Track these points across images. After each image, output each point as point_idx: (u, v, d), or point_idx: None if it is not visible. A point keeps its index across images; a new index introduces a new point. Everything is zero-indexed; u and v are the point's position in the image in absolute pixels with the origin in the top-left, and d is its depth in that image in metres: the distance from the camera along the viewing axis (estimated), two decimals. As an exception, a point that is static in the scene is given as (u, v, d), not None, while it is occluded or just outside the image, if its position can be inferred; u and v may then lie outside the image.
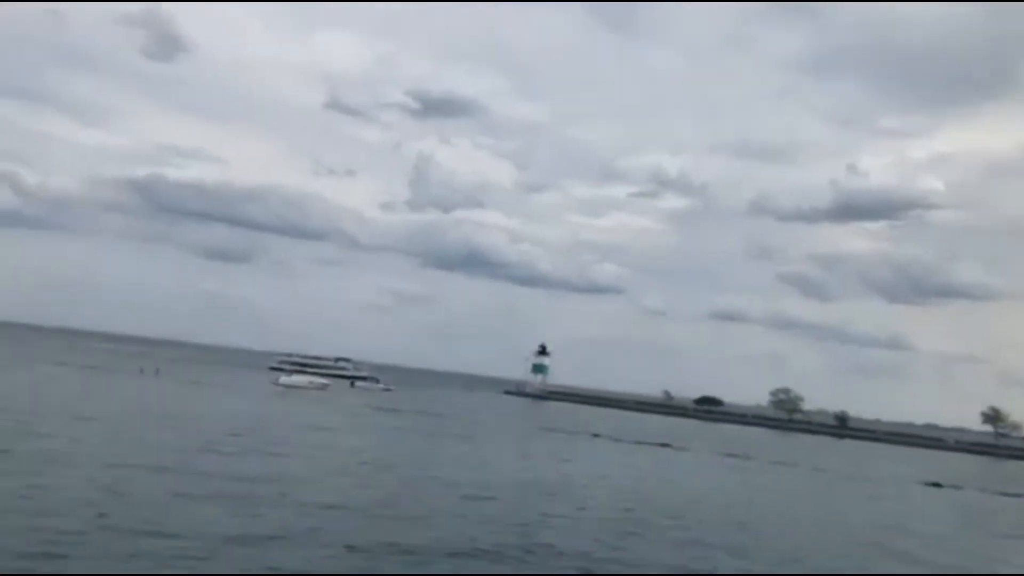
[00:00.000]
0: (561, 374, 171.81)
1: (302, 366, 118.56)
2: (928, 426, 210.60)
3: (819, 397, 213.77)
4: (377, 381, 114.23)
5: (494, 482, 31.82)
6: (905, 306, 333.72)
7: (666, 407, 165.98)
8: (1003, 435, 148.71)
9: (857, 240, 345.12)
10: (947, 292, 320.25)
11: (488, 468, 36.70)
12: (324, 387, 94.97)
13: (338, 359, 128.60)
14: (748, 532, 26.88)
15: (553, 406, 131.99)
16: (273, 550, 16.86)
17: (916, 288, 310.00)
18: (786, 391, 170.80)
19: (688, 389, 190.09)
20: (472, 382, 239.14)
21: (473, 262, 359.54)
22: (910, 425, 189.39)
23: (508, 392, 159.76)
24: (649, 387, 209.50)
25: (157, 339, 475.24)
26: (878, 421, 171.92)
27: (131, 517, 18.32)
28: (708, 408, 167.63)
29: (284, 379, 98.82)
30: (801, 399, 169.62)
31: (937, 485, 58.57)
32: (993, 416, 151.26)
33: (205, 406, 53.70)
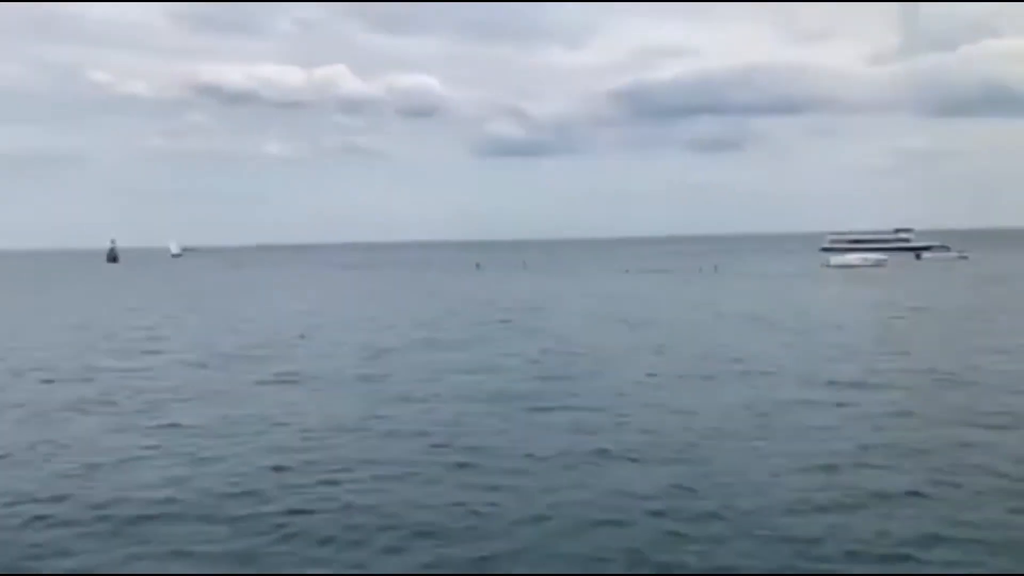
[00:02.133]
0: None
1: (855, 242, 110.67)
2: None
3: None
4: (947, 249, 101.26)
5: None
6: None
7: None
8: None
9: None
10: None
11: None
12: (881, 263, 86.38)
13: (897, 230, 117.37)
14: None
15: None
16: None
17: None
18: None
19: None
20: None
21: (994, 100, 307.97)
22: None
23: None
24: None
25: (661, 237, 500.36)
26: None
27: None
28: None
29: (835, 259, 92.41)
30: None
31: None
32: None
33: (801, 298, 50.30)
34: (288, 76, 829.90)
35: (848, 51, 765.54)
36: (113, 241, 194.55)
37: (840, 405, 18.57)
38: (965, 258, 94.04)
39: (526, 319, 38.79)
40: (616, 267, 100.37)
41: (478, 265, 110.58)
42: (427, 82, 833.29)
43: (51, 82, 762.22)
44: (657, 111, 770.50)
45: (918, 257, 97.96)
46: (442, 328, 35.84)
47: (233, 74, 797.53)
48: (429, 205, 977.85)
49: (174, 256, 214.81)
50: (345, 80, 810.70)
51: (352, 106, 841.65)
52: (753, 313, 39.71)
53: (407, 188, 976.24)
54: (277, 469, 13.93)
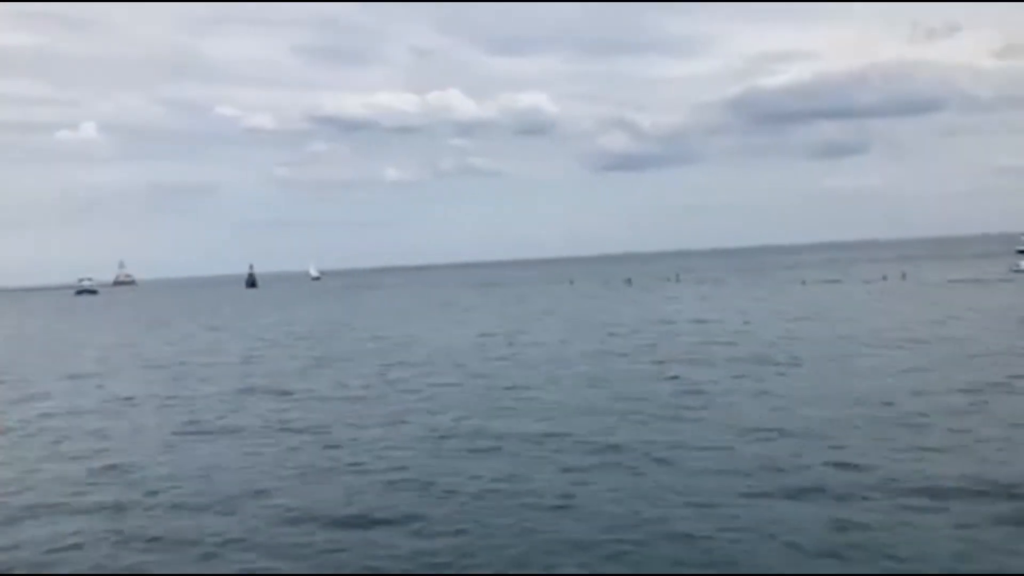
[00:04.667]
0: None
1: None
2: None
3: None
4: None
5: None
6: None
7: None
8: None
9: None
10: None
11: None
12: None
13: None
14: None
15: None
16: None
17: None
18: None
19: None
20: None
21: None
22: None
23: None
24: None
25: (787, 245, 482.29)
26: None
27: None
28: None
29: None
30: None
31: None
32: None
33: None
34: (403, 102, 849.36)
35: (977, 45, 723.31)
36: (252, 267, 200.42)
37: None
38: None
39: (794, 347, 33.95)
40: (781, 279, 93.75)
41: (629, 280, 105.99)
42: (539, 100, 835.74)
43: (184, 119, 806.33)
44: (773, 117, 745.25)
45: None
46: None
47: (351, 103, 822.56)
48: (544, 222, 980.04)
49: (314, 279, 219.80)
50: (459, 103, 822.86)
51: (466, 128, 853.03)
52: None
53: (522, 206, 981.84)
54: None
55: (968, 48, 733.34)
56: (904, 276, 79.46)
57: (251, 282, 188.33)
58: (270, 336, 49.96)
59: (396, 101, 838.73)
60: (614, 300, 70.05)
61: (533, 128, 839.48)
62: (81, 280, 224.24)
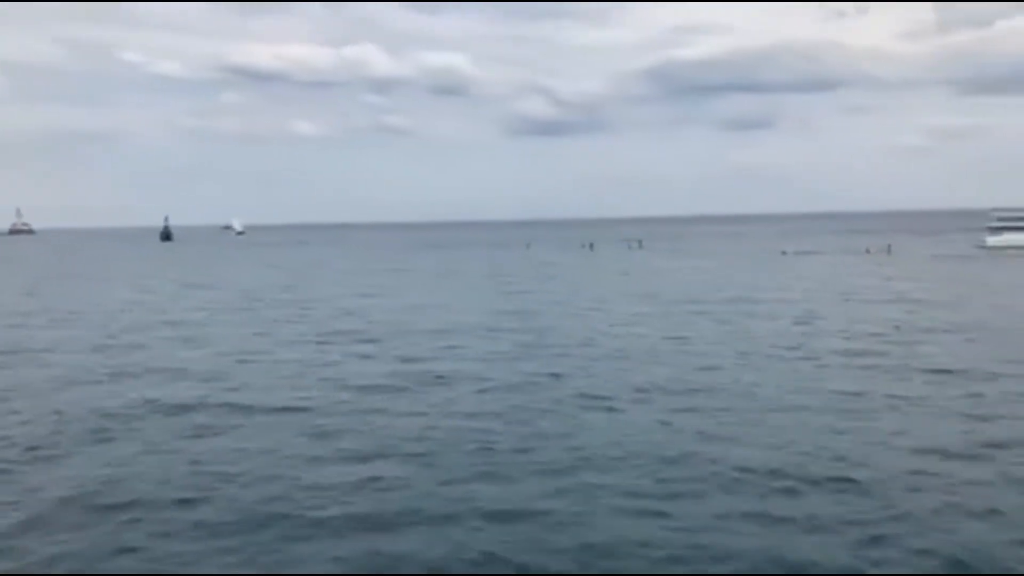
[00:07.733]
0: None
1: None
2: None
3: None
4: None
5: None
6: None
7: None
8: None
9: None
10: None
11: None
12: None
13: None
14: None
15: None
16: None
17: None
18: None
19: None
20: None
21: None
22: None
23: None
24: None
25: (693, 216, 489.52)
26: None
27: None
28: None
29: (992, 239, 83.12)
30: None
31: None
32: None
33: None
34: (318, 56, 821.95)
35: (882, 27, 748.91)
36: (167, 219, 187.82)
37: None
38: None
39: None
40: (756, 250, 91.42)
41: (591, 246, 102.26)
42: (457, 60, 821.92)
43: (85, 62, 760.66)
44: (688, 89, 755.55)
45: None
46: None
47: (262, 54, 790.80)
48: (460, 184, 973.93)
49: (238, 234, 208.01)
50: (374, 58, 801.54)
51: (382, 85, 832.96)
52: None
53: (438, 167, 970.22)
54: None
55: (875, 30, 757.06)
56: (889, 250, 78.07)
57: (166, 235, 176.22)
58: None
59: (308, 54, 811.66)
60: (634, 268, 65.93)
61: (449, 88, 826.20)
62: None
